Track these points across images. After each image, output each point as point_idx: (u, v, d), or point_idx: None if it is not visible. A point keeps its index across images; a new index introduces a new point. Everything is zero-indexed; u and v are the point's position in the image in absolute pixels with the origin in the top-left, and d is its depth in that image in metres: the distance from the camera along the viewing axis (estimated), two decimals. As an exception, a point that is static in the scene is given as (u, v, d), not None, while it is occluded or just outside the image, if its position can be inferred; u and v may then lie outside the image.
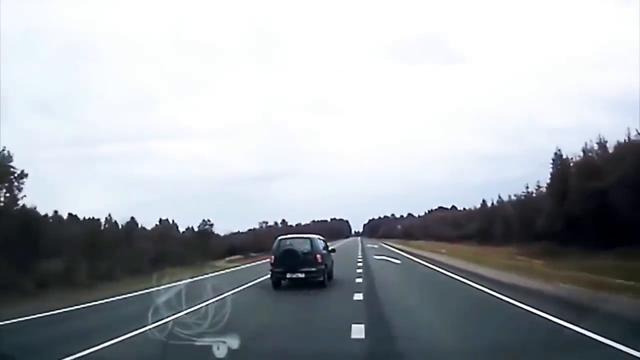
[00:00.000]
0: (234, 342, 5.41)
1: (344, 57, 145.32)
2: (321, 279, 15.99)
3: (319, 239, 17.63)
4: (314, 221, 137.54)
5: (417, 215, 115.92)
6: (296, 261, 15.66)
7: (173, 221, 45.97)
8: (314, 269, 15.77)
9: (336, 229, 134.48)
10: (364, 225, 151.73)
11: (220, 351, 5.30)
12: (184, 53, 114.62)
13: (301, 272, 15.63)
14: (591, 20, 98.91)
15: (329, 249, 18.66)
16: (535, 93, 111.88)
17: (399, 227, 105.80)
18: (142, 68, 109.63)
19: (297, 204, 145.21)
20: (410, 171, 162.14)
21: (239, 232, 59.03)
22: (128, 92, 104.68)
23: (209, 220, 47.64)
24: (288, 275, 15.83)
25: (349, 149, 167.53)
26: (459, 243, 50.90)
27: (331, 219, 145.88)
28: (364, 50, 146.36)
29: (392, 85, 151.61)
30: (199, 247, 36.94)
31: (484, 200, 58.47)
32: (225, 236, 50.49)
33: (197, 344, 5.53)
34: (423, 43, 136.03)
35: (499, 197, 52.49)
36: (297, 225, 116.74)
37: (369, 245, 60.57)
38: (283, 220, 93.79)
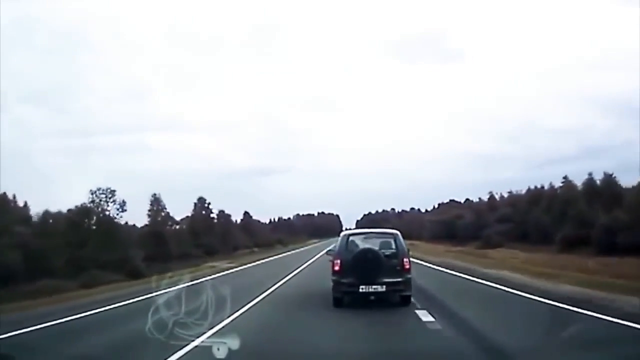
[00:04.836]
0: (234, 343, 5.29)
1: (342, 54, 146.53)
2: (408, 293, 11.74)
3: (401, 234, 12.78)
4: (297, 215, 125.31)
5: (424, 210, 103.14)
6: (377, 268, 11.24)
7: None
8: (399, 279, 11.47)
9: (324, 225, 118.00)
10: (357, 221, 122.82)
11: (220, 352, 5.18)
12: (179, 45, 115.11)
13: (381, 284, 11.29)
14: (591, 22, 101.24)
15: None
16: (535, 94, 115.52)
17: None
18: (137, 60, 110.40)
19: (287, 198, 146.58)
20: (406, 169, 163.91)
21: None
22: (122, 84, 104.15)
23: None
24: (362, 289, 11.35)
25: (344, 146, 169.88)
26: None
27: (319, 213, 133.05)
28: (362, 48, 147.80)
29: (390, 83, 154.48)
30: None
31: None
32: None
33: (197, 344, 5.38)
34: (422, 41, 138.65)
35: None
36: (279, 220, 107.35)
37: None
38: (206, 205, 60.10)
